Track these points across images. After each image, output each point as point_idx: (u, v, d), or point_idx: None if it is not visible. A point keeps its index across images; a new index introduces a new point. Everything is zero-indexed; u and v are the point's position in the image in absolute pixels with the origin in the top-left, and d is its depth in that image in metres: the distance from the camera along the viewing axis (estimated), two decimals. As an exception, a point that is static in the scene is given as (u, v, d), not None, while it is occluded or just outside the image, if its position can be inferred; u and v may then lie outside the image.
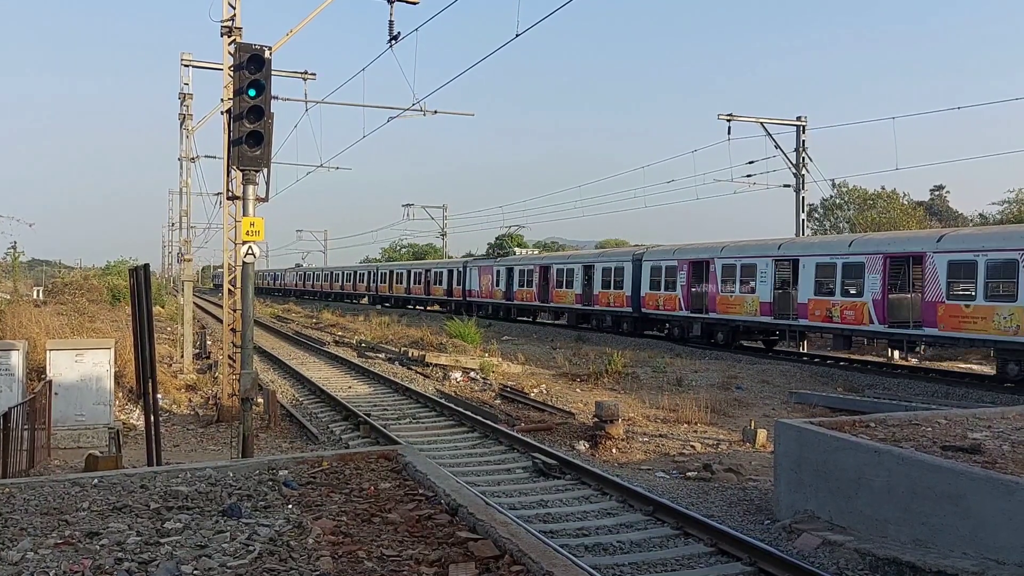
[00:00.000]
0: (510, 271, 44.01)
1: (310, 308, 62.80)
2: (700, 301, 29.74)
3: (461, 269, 50.31)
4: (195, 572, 4.64)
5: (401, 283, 60.52)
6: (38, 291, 48.24)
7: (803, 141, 33.59)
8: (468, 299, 48.88)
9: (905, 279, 23.21)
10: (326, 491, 6.49)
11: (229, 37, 16.51)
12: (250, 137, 10.58)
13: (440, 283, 52.96)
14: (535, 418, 16.17)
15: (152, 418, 10.80)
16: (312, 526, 5.50)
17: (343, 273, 77.12)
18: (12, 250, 54.71)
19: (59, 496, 6.26)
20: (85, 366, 14.49)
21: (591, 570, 7.14)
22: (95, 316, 30.28)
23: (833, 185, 49.42)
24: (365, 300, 70.49)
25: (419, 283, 56.98)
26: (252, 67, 10.58)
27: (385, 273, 65.43)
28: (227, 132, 13.15)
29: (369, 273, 69.05)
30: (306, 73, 24.14)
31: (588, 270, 37.14)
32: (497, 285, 45.15)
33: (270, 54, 10.84)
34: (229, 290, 18.74)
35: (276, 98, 19.56)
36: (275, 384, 21.51)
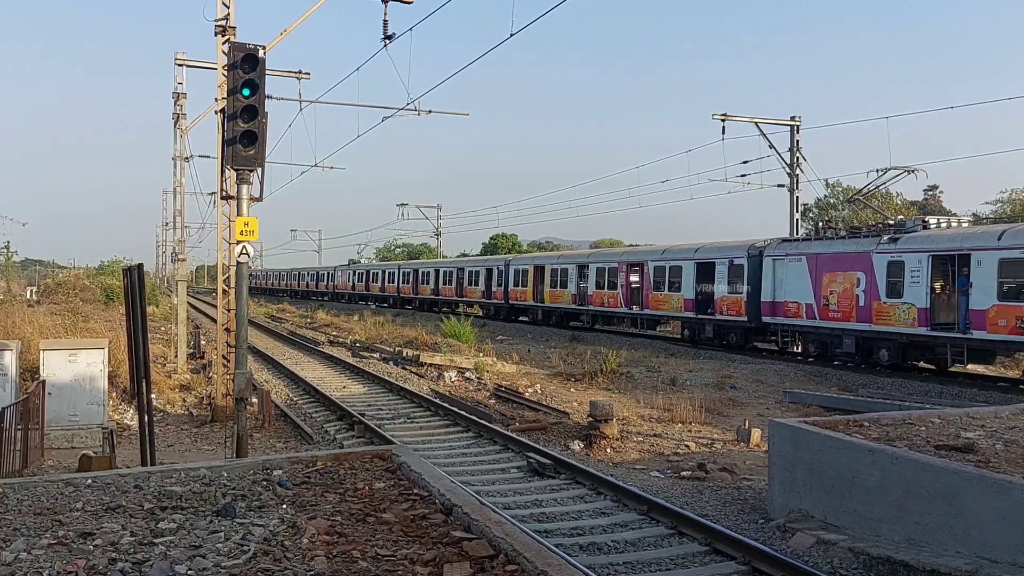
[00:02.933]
0: (930, 261, 20.66)
1: (304, 308, 62.27)
2: None
3: (743, 260, 26.72)
4: (189, 572, 4.63)
5: (562, 286, 37.41)
6: (31, 291, 48.09)
7: (797, 141, 33.71)
8: (770, 318, 25.36)
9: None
10: (320, 491, 6.49)
11: (223, 36, 16.49)
12: (244, 136, 10.57)
13: (672, 287, 29.77)
14: (530, 418, 16.17)
15: (146, 418, 10.77)
16: (307, 526, 5.50)
17: (440, 273, 52.37)
18: (5, 249, 54.54)
19: (53, 496, 6.24)
20: (79, 366, 14.46)
21: (585, 569, 7.14)
22: (89, 316, 30.17)
23: (826, 185, 49.71)
24: (475, 310, 47.95)
25: (609, 286, 33.65)
26: (246, 66, 10.57)
27: (523, 271, 41.09)
28: (221, 131, 13.15)
29: (491, 271, 44.90)
30: (300, 72, 24.12)
31: None
32: (899, 295, 21.33)
33: (264, 53, 10.83)
34: (223, 290, 18.70)
35: (270, 97, 19.52)
36: (269, 384, 21.48)
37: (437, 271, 52.86)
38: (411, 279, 56.79)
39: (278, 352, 30.33)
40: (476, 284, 46.21)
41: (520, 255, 48.80)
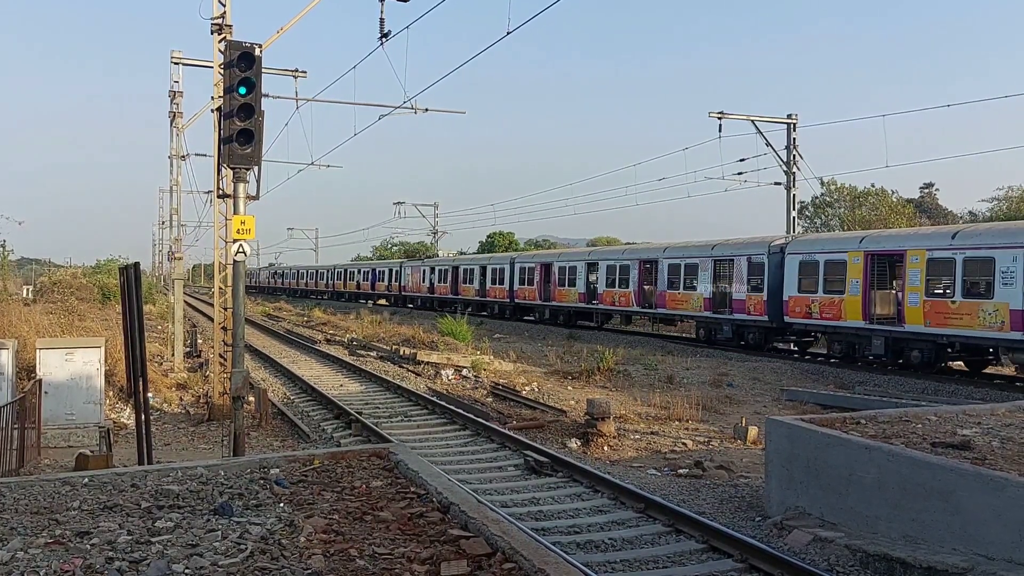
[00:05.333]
0: None
1: (301, 306, 62.09)
2: None
3: None
4: (186, 571, 4.63)
5: (880, 284, 22.46)
6: (27, 289, 47.93)
7: (794, 139, 33.73)
8: None
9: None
10: (318, 489, 6.48)
11: (219, 35, 16.47)
12: (241, 135, 10.54)
13: None
14: (527, 416, 16.17)
15: (143, 417, 10.75)
16: (304, 524, 5.49)
17: (602, 268, 35.27)
18: (2, 248, 54.37)
19: (49, 495, 6.23)
20: (75, 365, 14.45)
21: (583, 567, 7.14)
22: (85, 315, 30.12)
23: (821, 183, 49.77)
24: (676, 326, 34.30)
25: (978, 290, 19.36)
26: (242, 65, 10.54)
27: (819, 264, 23.87)
28: (217, 130, 13.11)
29: (706, 265, 28.89)
30: (297, 71, 24.09)
31: None
32: None
33: (260, 51, 10.80)
34: (220, 288, 18.68)
35: (267, 96, 19.49)
36: (266, 382, 21.45)
37: (589, 265, 36.39)
38: (537, 278, 39.96)
39: (275, 351, 30.30)
40: (689, 287, 29.95)
41: (756, 241, 27.45)
